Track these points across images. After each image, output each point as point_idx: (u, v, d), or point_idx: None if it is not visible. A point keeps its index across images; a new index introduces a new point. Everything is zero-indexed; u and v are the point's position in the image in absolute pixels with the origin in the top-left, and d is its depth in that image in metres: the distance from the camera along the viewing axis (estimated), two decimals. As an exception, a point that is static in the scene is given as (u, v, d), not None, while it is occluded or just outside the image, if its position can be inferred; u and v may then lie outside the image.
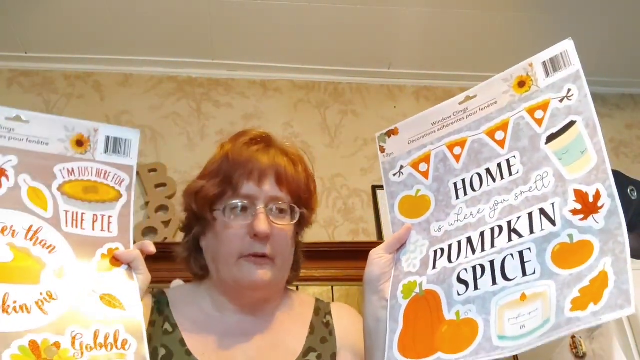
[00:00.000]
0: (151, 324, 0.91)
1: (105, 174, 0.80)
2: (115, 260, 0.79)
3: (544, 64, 0.84)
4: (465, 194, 0.87)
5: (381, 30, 2.44)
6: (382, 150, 0.98)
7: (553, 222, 0.76)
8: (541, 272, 0.74)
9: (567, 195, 0.76)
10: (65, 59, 2.44)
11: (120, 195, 0.81)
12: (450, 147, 0.92)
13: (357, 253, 1.53)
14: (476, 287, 0.78)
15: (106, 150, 0.82)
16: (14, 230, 0.72)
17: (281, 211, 0.94)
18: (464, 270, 0.81)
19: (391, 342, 0.82)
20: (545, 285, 0.73)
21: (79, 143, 0.81)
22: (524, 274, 0.75)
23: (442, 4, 2.34)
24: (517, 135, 0.85)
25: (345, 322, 1.03)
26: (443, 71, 2.65)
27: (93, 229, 0.77)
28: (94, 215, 0.78)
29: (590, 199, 0.74)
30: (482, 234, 0.82)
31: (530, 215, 0.79)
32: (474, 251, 0.82)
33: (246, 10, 2.30)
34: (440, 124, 0.95)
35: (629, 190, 1.73)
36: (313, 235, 2.18)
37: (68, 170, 0.79)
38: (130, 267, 0.81)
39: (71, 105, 2.38)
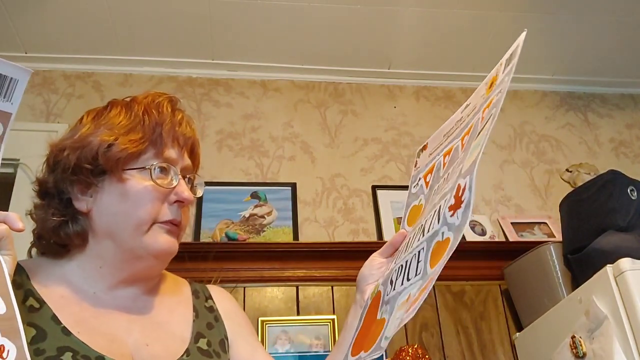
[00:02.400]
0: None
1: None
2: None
3: (506, 60, 0.78)
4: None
5: (381, 30, 2.44)
6: (415, 165, 0.99)
7: (438, 220, 0.72)
8: (422, 272, 0.71)
9: (453, 191, 0.71)
10: (65, 59, 2.44)
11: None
12: (444, 156, 0.91)
13: (357, 253, 1.54)
14: (393, 288, 0.78)
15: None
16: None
17: (189, 181, 0.92)
18: (395, 271, 0.81)
19: (351, 339, 0.83)
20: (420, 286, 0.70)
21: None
22: (416, 273, 0.72)
23: (442, 4, 2.34)
24: (473, 137, 0.80)
25: (228, 307, 1.01)
26: (443, 71, 2.65)
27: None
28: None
29: (460, 193, 0.68)
30: (413, 233, 0.83)
31: (434, 213, 0.76)
32: (405, 251, 0.82)
33: (246, 10, 2.30)
34: (447, 135, 0.92)
35: (629, 190, 1.73)
36: (313, 235, 2.20)
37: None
38: None
39: (71, 105, 2.38)
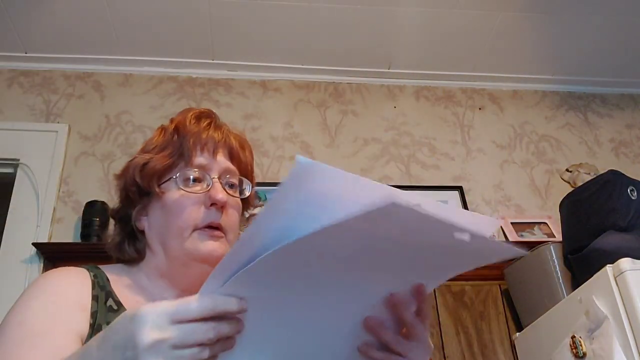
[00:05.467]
0: (94, 298, 0.84)
1: None
2: None
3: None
4: None
5: (381, 30, 2.44)
6: None
7: None
8: None
9: None
10: (65, 59, 2.44)
11: None
12: None
13: (357, 253, 1.54)
14: None
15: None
16: None
17: (232, 185, 0.92)
18: None
19: None
20: None
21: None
22: None
23: (442, 4, 2.34)
24: None
25: None
26: (443, 71, 2.65)
27: None
28: None
29: None
30: None
31: None
32: None
33: (246, 10, 2.30)
34: None
35: (629, 190, 1.73)
36: (313, 235, 2.19)
37: None
38: None
39: (71, 105, 2.38)
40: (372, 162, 2.43)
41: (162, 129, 0.96)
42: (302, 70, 2.58)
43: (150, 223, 0.91)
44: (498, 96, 2.71)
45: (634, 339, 1.35)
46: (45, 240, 2.03)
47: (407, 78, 2.66)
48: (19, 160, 2.19)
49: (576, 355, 1.48)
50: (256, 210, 2.18)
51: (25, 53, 2.42)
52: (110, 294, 0.86)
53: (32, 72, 2.43)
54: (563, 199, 1.91)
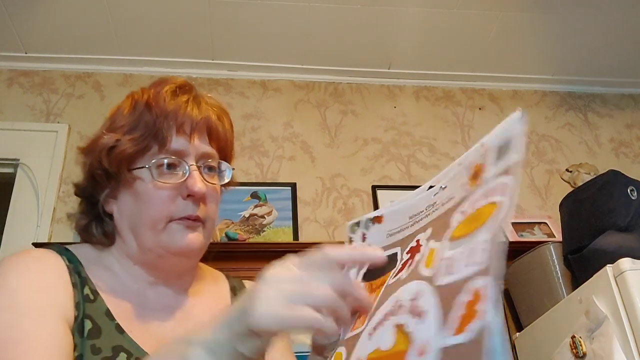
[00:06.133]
0: (74, 285, 0.76)
1: (491, 192, 0.58)
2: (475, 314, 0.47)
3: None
4: None
5: (381, 30, 2.44)
6: (351, 242, 0.78)
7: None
8: None
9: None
10: (65, 59, 2.44)
11: (500, 206, 0.55)
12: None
13: (357, 253, 1.53)
14: None
15: (495, 163, 0.60)
16: (400, 306, 0.57)
17: (210, 169, 0.84)
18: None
19: None
20: None
21: (475, 175, 0.62)
22: None
23: (442, 4, 2.34)
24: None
25: None
26: (443, 71, 2.65)
27: (465, 267, 0.52)
28: (469, 249, 0.54)
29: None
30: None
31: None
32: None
33: (246, 10, 2.30)
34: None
35: (629, 190, 1.73)
36: (313, 235, 2.20)
37: (462, 212, 0.60)
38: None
39: (71, 105, 2.38)
40: (372, 162, 2.43)
41: (133, 100, 0.85)
42: (302, 70, 2.58)
43: (120, 208, 0.83)
44: (498, 96, 2.71)
45: (634, 339, 1.35)
46: (45, 240, 2.03)
47: (407, 78, 2.66)
48: (19, 160, 2.19)
49: (576, 355, 1.47)
50: (256, 210, 2.19)
51: (25, 53, 2.42)
52: (85, 280, 0.78)
53: (32, 72, 2.43)
54: (563, 199, 1.91)
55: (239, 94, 2.53)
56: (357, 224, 0.79)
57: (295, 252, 0.68)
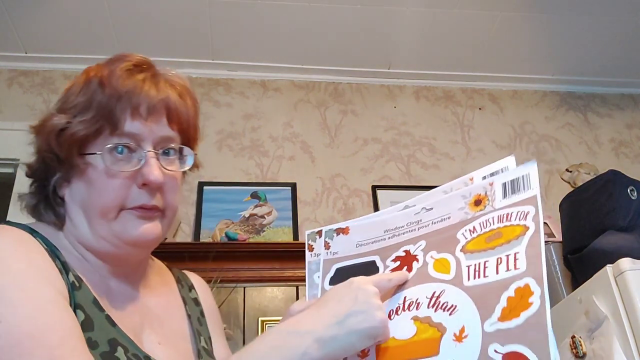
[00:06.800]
0: (60, 272, 0.70)
1: (507, 216, 0.72)
2: (525, 303, 0.63)
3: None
4: None
5: (381, 30, 2.44)
6: (311, 248, 0.88)
7: None
8: None
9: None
10: (65, 59, 2.44)
11: (527, 228, 0.69)
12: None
13: (357, 253, 1.53)
14: None
15: (505, 196, 0.73)
16: (418, 303, 0.71)
17: (170, 154, 0.79)
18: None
19: None
20: None
21: (477, 202, 0.75)
22: None
23: (442, 4, 2.34)
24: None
25: (209, 302, 0.95)
26: (443, 71, 2.65)
27: (497, 273, 0.67)
28: (497, 258, 0.68)
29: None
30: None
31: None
32: None
33: (246, 10, 2.30)
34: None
35: (628, 190, 1.73)
36: (313, 235, 2.19)
37: (470, 230, 0.74)
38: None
39: (71, 105, 2.38)
40: (372, 162, 2.43)
41: (87, 78, 0.78)
42: (302, 70, 2.58)
43: (72, 193, 0.78)
44: (498, 96, 2.71)
45: (634, 339, 1.35)
46: (45, 240, 2.02)
47: (407, 78, 2.66)
48: (19, 160, 2.19)
49: (576, 355, 1.47)
50: (256, 210, 2.19)
51: (25, 53, 2.42)
52: (67, 265, 0.72)
53: (32, 72, 2.43)
54: (563, 199, 1.91)
55: (239, 94, 2.53)
56: (319, 233, 0.87)
57: (295, 252, 0.74)
